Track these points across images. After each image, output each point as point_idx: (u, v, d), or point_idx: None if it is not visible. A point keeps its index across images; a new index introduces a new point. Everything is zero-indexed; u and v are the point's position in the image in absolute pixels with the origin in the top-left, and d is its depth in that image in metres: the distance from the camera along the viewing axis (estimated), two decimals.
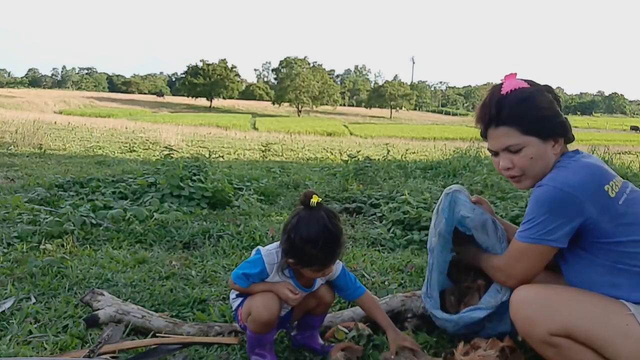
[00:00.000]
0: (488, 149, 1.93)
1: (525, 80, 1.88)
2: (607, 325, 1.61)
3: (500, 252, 2.07)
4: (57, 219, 4.06)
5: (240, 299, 2.06)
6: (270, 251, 1.99)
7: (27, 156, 10.01)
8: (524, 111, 1.80)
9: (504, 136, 1.83)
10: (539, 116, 1.81)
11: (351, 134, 45.11)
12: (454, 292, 2.25)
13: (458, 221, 2.13)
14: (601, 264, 1.73)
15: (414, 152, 15.40)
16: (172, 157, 6.40)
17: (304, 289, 2.03)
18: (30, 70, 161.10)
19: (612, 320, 1.62)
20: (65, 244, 3.64)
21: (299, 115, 75.50)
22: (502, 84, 1.87)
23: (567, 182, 1.70)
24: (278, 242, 1.99)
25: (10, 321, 2.40)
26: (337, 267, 2.09)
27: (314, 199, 1.86)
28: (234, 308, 2.12)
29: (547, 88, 1.90)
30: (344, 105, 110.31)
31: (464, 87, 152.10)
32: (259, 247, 2.05)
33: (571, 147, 1.94)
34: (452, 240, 2.17)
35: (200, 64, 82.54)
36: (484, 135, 1.93)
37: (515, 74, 1.89)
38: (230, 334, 2.31)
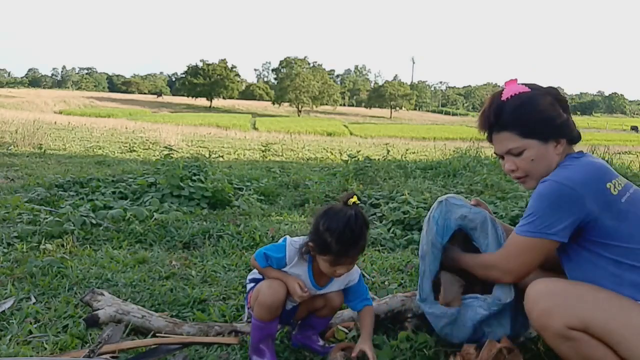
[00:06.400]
0: (494, 152, 1.99)
1: (527, 84, 1.91)
2: (625, 323, 1.61)
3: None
4: (57, 219, 4.06)
5: (253, 284, 2.13)
6: (295, 242, 2.06)
7: (27, 156, 10.02)
8: (522, 115, 1.85)
9: (505, 140, 1.89)
10: (537, 119, 1.85)
11: (351, 134, 45.06)
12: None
13: (457, 221, 2.12)
14: (603, 266, 1.73)
15: (414, 152, 15.41)
16: (172, 157, 6.41)
17: (317, 287, 2.07)
18: (30, 70, 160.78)
19: (630, 319, 1.62)
20: (65, 244, 3.64)
21: (299, 115, 75.38)
22: (502, 90, 1.92)
23: (568, 178, 1.74)
24: (306, 236, 2.06)
25: (10, 321, 2.40)
26: (356, 275, 2.14)
27: (353, 199, 1.97)
28: (247, 292, 2.19)
29: (550, 90, 1.92)
30: (344, 105, 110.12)
31: (464, 87, 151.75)
32: (287, 236, 2.12)
33: (576, 147, 1.95)
34: (444, 249, 2.15)
35: (200, 64, 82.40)
36: (490, 140, 1.99)
37: (516, 79, 1.94)
38: (230, 334, 2.31)
